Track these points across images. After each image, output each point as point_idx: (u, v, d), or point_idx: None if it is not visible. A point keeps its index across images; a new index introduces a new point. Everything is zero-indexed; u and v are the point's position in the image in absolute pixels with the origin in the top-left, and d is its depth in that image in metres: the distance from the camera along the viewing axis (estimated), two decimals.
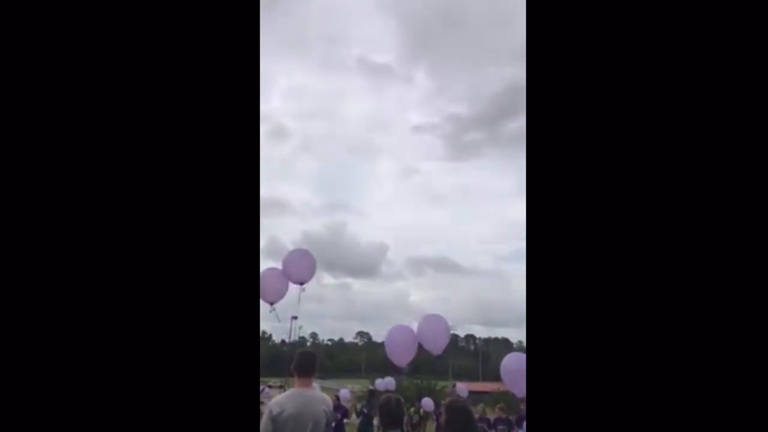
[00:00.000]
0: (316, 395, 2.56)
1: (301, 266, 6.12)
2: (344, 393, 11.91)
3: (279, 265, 6.22)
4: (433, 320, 6.24)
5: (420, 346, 6.20)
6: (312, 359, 2.67)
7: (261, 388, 8.55)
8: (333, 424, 2.58)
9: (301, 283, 6.10)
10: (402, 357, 6.25)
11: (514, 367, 5.69)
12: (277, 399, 2.54)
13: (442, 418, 2.54)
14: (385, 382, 12.89)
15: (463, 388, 15.10)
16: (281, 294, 6.16)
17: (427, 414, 12.52)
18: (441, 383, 26.03)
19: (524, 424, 7.48)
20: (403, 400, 2.69)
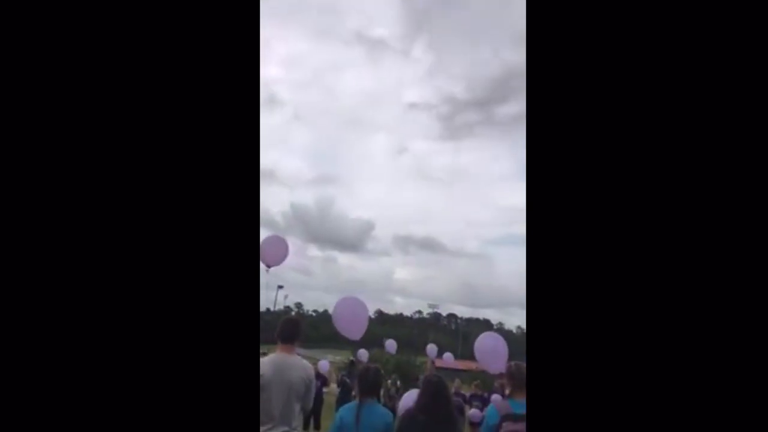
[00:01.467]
0: (297, 362, 2.63)
1: (276, 252, 6.30)
2: (323, 364, 12.20)
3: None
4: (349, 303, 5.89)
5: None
6: (295, 326, 2.75)
7: None
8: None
9: (268, 266, 6.29)
10: (354, 332, 5.86)
11: (488, 345, 5.86)
12: (262, 361, 2.63)
13: (419, 390, 2.65)
14: (360, 353, 13.29)
15: (449, 357, 15.46)
16: (281, 259, 6.32)
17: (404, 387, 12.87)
18: (420, 359, 26.61)
19: (492, 397, 7.73)
20: (381, 370, 2.80)
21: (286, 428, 2.44)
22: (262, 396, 2.44)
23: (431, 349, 13.97)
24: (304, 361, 2.71)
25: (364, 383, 2.58)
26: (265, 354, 2.74)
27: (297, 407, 2.53)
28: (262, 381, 2.47)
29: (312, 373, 2.69)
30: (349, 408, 2.53)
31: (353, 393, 8.70)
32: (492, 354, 5.82)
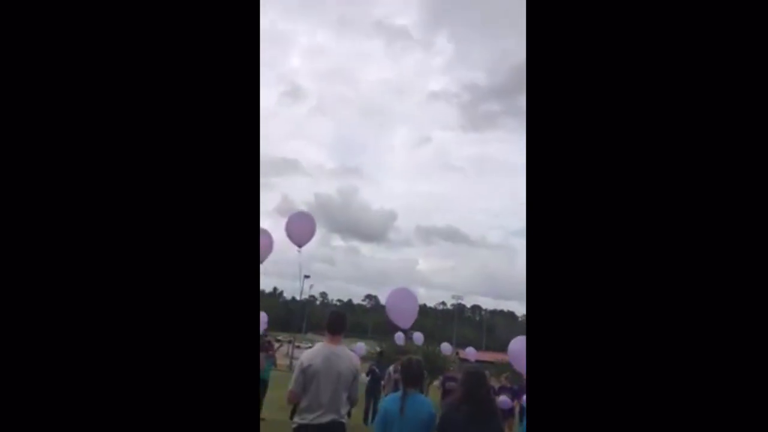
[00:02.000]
0: (344, 352, 2.74)
1: (302, 230, 6.39)
2: (360, 347, 12.74)
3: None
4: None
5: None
6: (342, 319, 2.86)
7: (268, 340, 8.92)
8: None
9: (299, 245, 6.38)
10: (405, 319, 6.44)
11: (521, 349, 5.95)
12: (308, 353, 2.74)
13: (458, 380, 2.71)
14: (398, 337, 13.70)
15: (472, 351, 15.66)
16: (308, 237, 6.45)
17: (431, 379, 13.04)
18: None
19: (523, 397, 7.77)
20: (423, 361, 2.88)
21: (334, 416, 2.55)
22: (311, 385, 2.56)
23: (445, 347, 14.39)
24: (351, 352, 2.82)
25: (407, 374, 2.65)
26: (290, 343, 2.83)
27: (344, 396, 2.64)
28: (311, 370, 2.59)
29: (358, 363, 2.80)
30: (393, 399, 2.61)
31: (382, 383, 8.84)
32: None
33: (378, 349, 14.08)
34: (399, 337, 13.22)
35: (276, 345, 9.98)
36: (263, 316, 8.69)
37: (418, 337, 15.45)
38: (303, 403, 2.57)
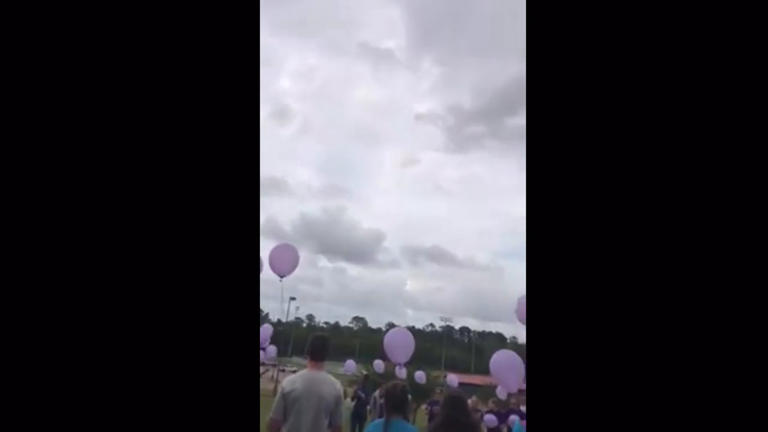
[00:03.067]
0: (326, 378, 2.70)
1: (284, 260, 6.50)
2: (349, 364, 12.80)
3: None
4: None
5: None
6: (325, 343, 2.82)
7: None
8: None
9: (281, 276, 6.45)
10: (402, 356, 6.90)
11: (503, 363, 5.89)
12: (290, 378, 2.71)
13: (439, 405, 2.70)
14: (347, 364, 13.96)
15: (454, 378, 15.57)
16: (292, 267, 6.51)
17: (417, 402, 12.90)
18: (433, 373, 26.32)
19: (510, 418, 7.70)
20: (408, 387, 2.85)
21: None
22: (292, 411, 2.51)
23: (419, 376, 14.79)
24: (334, 378, 2.77)
25: (391, 400, 2.62)
26: (270, 367, 2.80)
27: (326, 422, 2.59)
28: (292, 396, 2.54)
29: (340, 388, 2.75)
30: (376, 425, 2.57)
31: (368, 407, 8.68)
32: (508, 371, 5.89)
33: (364, 372, 13.85)
34: (378, 365, 13.40)
35: (261, 369, 9.80)
36: (267, 330, 8.56)
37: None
38: (283, 430, 2.52)
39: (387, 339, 7.28)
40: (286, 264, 6.54)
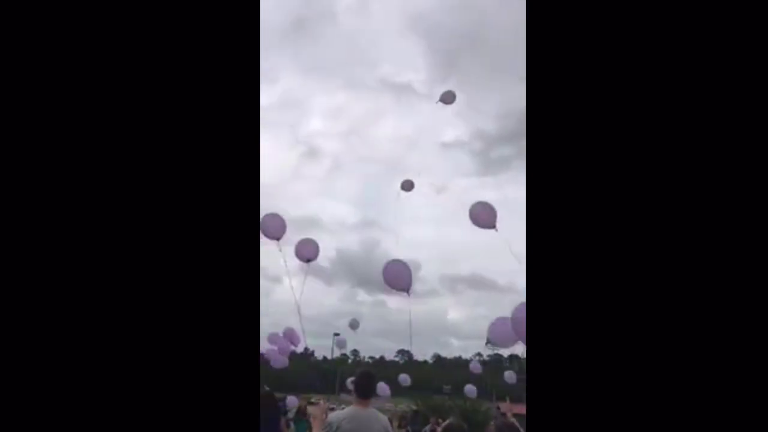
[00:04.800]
0: (372, 414, 2.69)
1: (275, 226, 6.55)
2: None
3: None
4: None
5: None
6: (371, 380, 2.83)
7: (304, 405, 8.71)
8: None
9: (308, 260, 6.48)
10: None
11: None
12: (337, 414, 2.71)
13: None
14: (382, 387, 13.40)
15: (507, 408, 14.99)
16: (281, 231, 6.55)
17: None
18: (485, 404, 25.26)
19: None
20: (467, 427, 2.78)
21: None
22: None
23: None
24: (380, 414, 2.77)
25: None
26: (315, 403, 2.77)
27: None
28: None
29: (388, 424, 2.74)
30: None
31: None
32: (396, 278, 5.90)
33: (414, 407, 13.52)
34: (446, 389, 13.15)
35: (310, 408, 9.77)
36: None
37: (471, 390, 15.61)
38: None
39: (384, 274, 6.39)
40: (277, 229, 6.59)
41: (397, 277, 6.21)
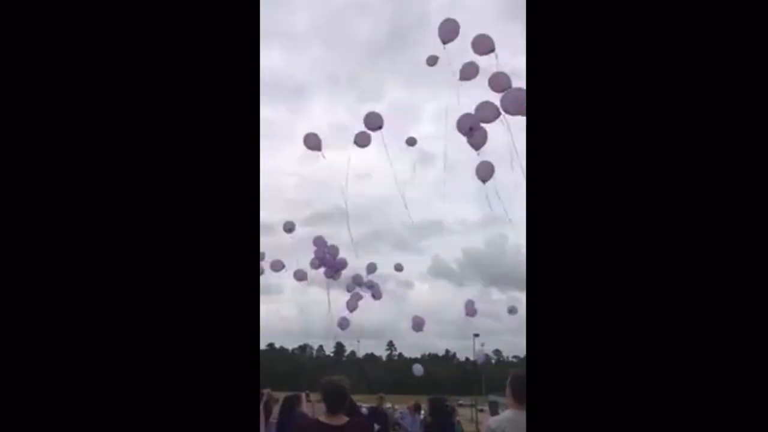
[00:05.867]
0: None
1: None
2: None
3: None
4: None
5: None
6: (525, 382, 2.65)
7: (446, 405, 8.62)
8: None
9: (470, 129, 5.68)
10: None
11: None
12: (496, 419, 2.65)
13: None
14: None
15: None
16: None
17: None
18: None
19: None
20: None
21: None
22: None
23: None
24: None
25: None
26: (473, 407, 2.62)
27: None
28: None
29: None
30: None
31: None
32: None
33: None
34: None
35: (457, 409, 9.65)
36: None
37: None
38: None
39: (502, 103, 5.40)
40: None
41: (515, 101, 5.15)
